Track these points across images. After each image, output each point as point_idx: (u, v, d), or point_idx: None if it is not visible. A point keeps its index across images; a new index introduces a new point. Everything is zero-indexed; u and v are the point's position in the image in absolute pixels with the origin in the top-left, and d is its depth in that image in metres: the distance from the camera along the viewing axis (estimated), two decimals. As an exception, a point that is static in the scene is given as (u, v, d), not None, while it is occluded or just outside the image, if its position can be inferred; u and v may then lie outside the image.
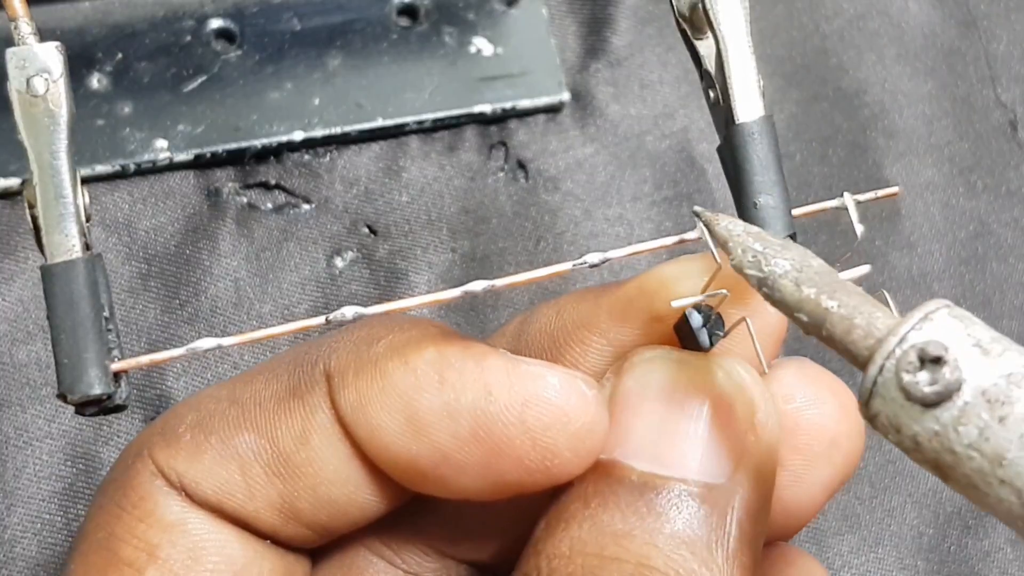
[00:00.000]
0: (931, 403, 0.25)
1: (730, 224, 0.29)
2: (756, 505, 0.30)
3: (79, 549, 0.32)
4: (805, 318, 0.27)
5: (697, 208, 0.30)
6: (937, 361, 0.25)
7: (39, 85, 0.27)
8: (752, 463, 0.31)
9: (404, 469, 0.31)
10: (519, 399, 0.30)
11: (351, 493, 0.32)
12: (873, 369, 0.25)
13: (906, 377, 0.25)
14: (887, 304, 0.27)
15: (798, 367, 0.34)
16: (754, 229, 0.29)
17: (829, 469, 0.33)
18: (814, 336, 0.27)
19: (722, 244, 0.29)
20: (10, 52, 0.28)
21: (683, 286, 0.31)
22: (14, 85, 0.27)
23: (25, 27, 0.28)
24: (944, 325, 0.25)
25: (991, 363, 0.25)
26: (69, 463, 0.47)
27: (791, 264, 0.28)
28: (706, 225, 0.29)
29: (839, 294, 0.27)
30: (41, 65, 0.27)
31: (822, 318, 0.27)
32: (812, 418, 0.33)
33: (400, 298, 0.52)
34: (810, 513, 0.34)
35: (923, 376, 0.25)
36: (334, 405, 0.31)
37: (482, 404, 0.30)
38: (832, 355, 0.27)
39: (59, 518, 0.47)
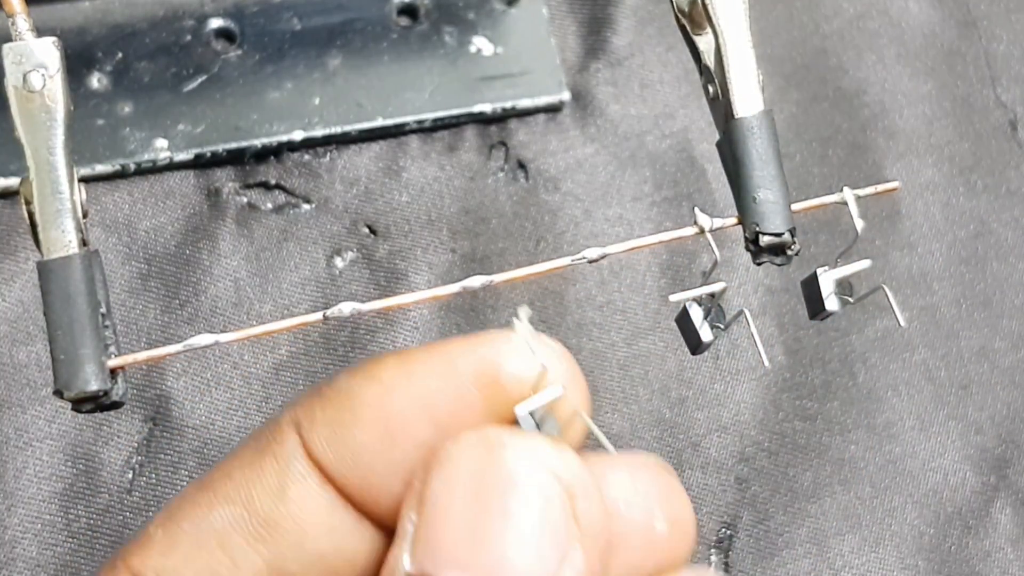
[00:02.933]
0: None
1: None
2: None
3: None
4: None
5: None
6: None
7: (36, 81, 0.27)
8: (578, 557, 0.28)
9: (388, 498, 0.30)
10: (478, 359, 0.30)
11: (338, 543, 0.31)
12: None
13: None
14: (888, 299, 0.27)
15: None
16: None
17: None
18: None
19: None
20: (7, 47, 0.28)
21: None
22: (11, 81, 0.27)
23: (22, 23, 0.28)
24: None
25: None
26: (69, 464, 0.47)
27: None
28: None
29: None
30: (38, 60, 0.27)
31: None
32: None
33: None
34: None
35: None
36: (307, 450, 0.30)
37: (454, 383, 0.30)
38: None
39: (59, 519, 0.47)
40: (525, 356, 0.29)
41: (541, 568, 0.28)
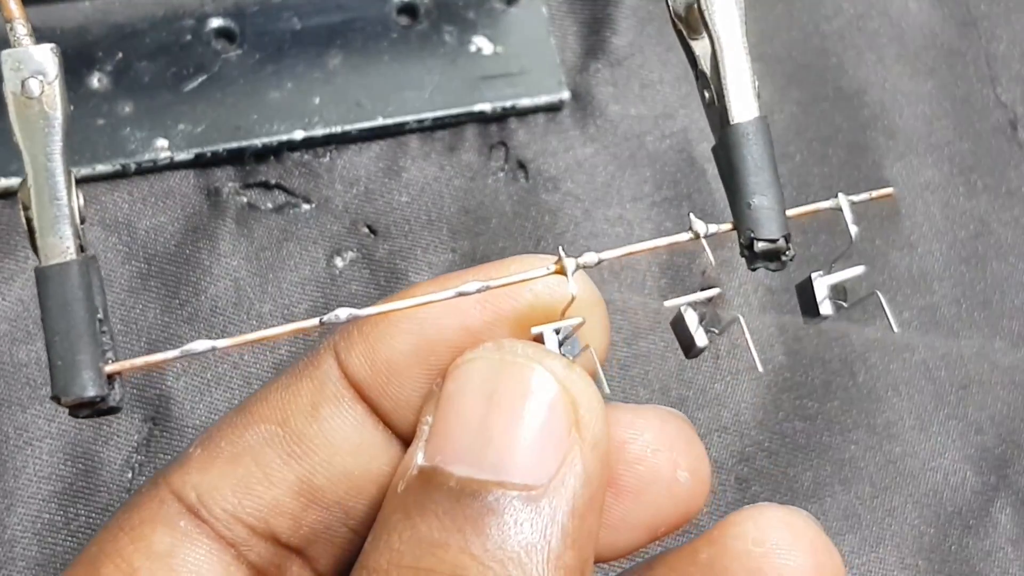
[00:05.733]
0: None
1: None
2: (583, 504, 0.30)
3: (73, 560, 0.32)
4: None
5: None
6: None
7: (34, 87, 0.27)
8: (577, 461, 0.30)
9: (416, 415, 0.32)
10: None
11: (365, 461, 0.32)
12: None
13: None
14: (882, 305, 0.27)
15: (785, 514, 0.33)
16: None
17: None
18: None
19: None
20: (5, 54, 0.28)
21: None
22: (9, 87, 0.27)
23: (21, 28, 0.28)
24: None
25: None
26: (69, 463, 0.47)
27: None
28: None
29: None
30: (36, 67, 0.27)
31: None
32: (779, 568, 0.32)
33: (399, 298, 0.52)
34: None
35: None
36: (343, 370, 0.32)
37: (486, 300, 0.31)
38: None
39: (59, 518, 0.47)
40: (557, 284, 0.31)
41: (542, 468, 0.29)
